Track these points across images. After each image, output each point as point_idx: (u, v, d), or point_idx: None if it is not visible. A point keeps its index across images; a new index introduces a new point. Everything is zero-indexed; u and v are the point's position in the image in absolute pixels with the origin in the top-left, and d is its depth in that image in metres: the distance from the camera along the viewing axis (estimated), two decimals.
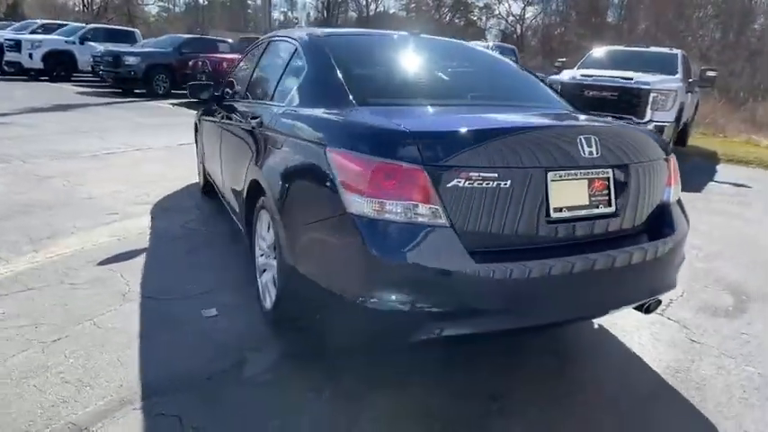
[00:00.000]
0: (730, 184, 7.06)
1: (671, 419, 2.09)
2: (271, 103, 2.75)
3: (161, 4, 56.53)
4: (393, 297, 1.70)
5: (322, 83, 2.33)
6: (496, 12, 38.56)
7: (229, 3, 66.89)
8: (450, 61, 2.88)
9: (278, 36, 3.26)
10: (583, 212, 1.92)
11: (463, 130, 1.78)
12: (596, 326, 2.77)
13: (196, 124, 4.88)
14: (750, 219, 5.23)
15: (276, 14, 62.63)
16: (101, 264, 3.25)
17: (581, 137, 1.88)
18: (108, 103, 11.44)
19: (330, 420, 1.95)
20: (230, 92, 3.93)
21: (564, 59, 10.33)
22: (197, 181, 5.30)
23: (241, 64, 3.98)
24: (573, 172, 1.88)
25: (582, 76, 7.64)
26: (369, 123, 1.91)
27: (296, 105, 2.40)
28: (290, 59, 2.75)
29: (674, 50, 8.71)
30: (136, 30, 17.87)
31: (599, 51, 9.17)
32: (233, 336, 2.50)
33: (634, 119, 6.89)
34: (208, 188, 4.77)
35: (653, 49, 9.14)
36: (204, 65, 12.01)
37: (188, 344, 2.41)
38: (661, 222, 2.15)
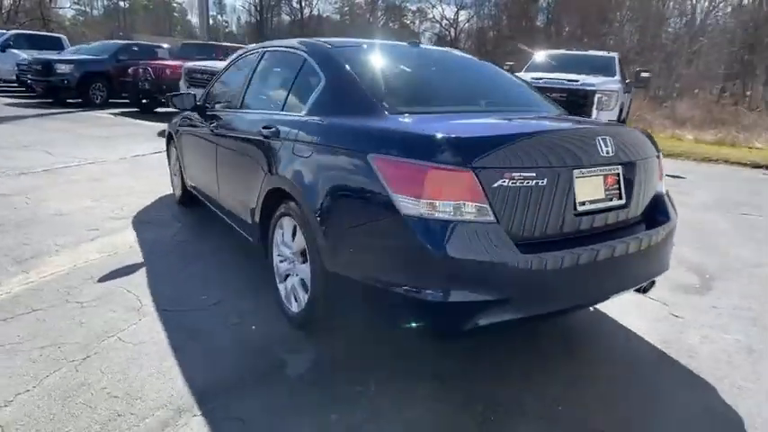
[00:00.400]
0: (666, 175, 7.73)
1: (676, 382, 2.38)
2: (284, 113, 2.82)
3: (77, 6, 53.31)
4: (450, 289, 1.86)
5: (347, 93, 2.44)
6: (430, 15, 39.53)
7: (152, 6, 64.24)
8: (454, 70, 3.08)
9: (276, 47, 3.33)
10: (600, 205, 2.17)
11: (503, 134, 1.97)
12: (591, 309, 3.05)
13: (171, 135, 4.81)
14: (693, 206, 5.80)
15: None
16: (101, 280, 3.19)
17: (599, 138, 2.13)
18: (43, 115, 10.82)
19: (383, 410, 2.07)
20: (213, 102, 3.94)
21: (512, 63, 10.82)
22: (169, 193, 5.21)
23: (226, 74, 3.99)
24: (593, 169, 2.11)
25: (533, 78, 8.07)
26: (415, 131, 2.05)
27: (319, 115, 2.49)
28: (299, 70, 2.83)
29: (611, 53, 9.41)
30: (62, 36, 16.90)
31: (541, 55, 9.72)
32: (264, 340, 2.56)
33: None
34: (185, 199, 4.72)
35: (591, 52, 9.82)
36: (146, 72, 11.61)
37: (223, 351, 2.45)
38: (657, 211, 2.44)
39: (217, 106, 3.84)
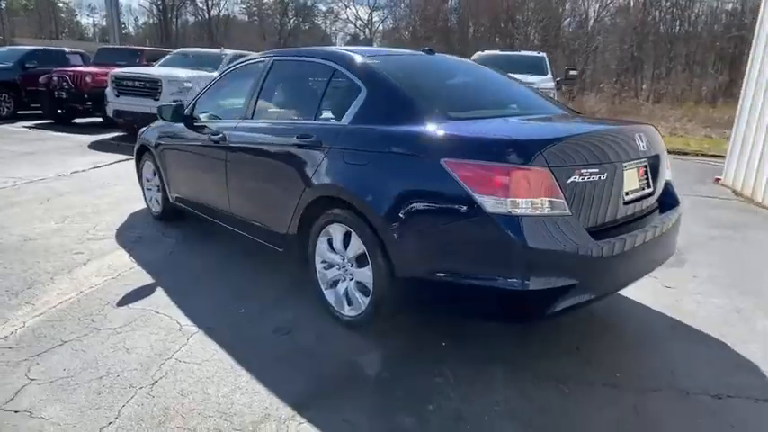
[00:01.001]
0: None
1: (691, 342, 2.74)
2: (318, 122, 2.87)
3: None
4: (535, 277, 2.05)
5: (396, 102, 2.54)
6: (344, 16, 39.58)
7: (33, 6, 58.80)
8: (476, 76, 3.27)
9: (291, 57, 3.34)
10: (638, 194, 2.46)
11: (570, 135, 2.20)
12: None
13: (145, 148, 4.61)
14: None
15: (98, 19, 56.75)
16: (120, 304, 3.06)
17: (636, 135, 2.42)
18: None
19: (472, 395, 2.22)
20: (208, 113, 3.87)
21: None
22: (139, 209, 5.00)
23: (222, 84, 3.91)
24: (633, 162, 2.40)
25: None
26: (491, 135, 2.22)
27: (367, 123, 2.58)
28: (329, 80, 2.90)
29: (540, 53, 10.06)
30: None
31: (476, 56, 10.22)
32: (324, 345, 2.62)
33: None
34: (167, 214, 4.55)
35: (523, 52, 10.46)
36: (63, 81, 10.76)
37: (290, 359, 2.48)
38: (668, 197, 2.79)
39: (214, 117, 3.77)
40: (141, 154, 4.75)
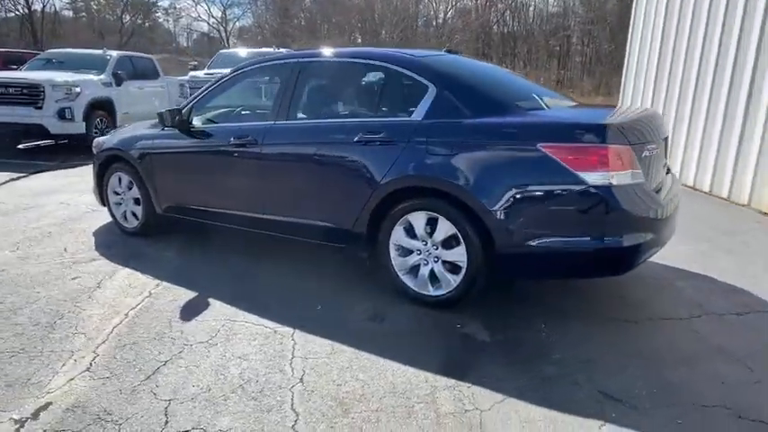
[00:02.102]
0: None
1: (686, 275, 3.45)
2: (381, 119, 3.05)
3: None
4: (630, 234, 2.52)
5: (470, 97, 2.83)
6: (194, 14, 37.23)
7: None
8: (503, 72, 3.65)
9: (329, 57, 3.43)
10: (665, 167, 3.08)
11: (637, 119, 2.71)
12: None
13: (117, 160, 4.26)
14: None
15: None
16: (186, 320, 2.94)
17: (660, 119, 3.02)
18: None
19: (572, 341, 2.63)
20: (218, 117, 3.79)
21: (196, 62, 11.36)
22: (96, 227, 4.62)
23: (225, 88, 3.81)
24: (662, 141, 2.99)
25: (206, 74, 8.96)
26: (585, 121, 2.63)
27: (442, 118, 2.83)
28: (385, 80, 3.09)
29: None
30: None
31: (225, 52, 10.76)
32: (426, 323, 2.83)
33: None
34: (149, 228, 4.28)
35: (283, 50, 10.77)
36: None
37: (411, 338, 2.68)
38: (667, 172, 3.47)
39: (224, 121, 3.70)
40: (107, 166, 4.37)
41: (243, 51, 11.51)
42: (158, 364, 2.47)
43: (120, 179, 4.33)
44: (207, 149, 3.71)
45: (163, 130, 3.99)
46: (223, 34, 35.48)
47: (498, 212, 2.63)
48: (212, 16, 34.44)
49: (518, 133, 2.66)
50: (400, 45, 27.31)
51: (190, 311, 3.02)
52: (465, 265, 2.80)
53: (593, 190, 2.47)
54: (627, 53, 8.25)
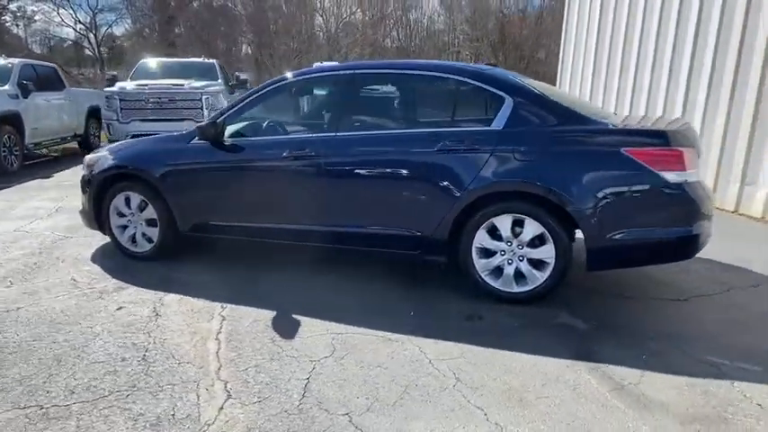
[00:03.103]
0: None
1: (724, 268, 4.04)
2: (458, 128, 3.25)
3: None
4: (699, 224, 2.95)
5: (546, 107, 3.08)
6: (57, 18, 33.37)
7: None
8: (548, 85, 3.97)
9: (392, 69, 3.56)
10: None
11: (688, 126, 3.14)
12: None
13: (126, 178, 3.94)
14: None
15: None
16: (288, 337, 2.86)
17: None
18: None
19: (623, 321, 3.01)
20: (259, 131, 3.72)
21: (115, 72, 11.06)
22: (87, 255, 4.25)
23: (263, 101, 3.71)
24: None
25: (138, 86, 8.70)
26: (661, 129, 3.00)
27: (521, 126, 3.06)
28: (458, 91, 3.28)
29: (211, 60, 10.64)
30: None
31: (146, 62, 10.33)
32: (526, 318, 3.03)
33: (194, 120, 8.14)
34: (165, 249, 4.00)
35: (193, 59, 10.98)
36: None
37: (521, 332, 2.86)
38: None
39: (264, 134, 3.68)
40: (108, 186, 4.00)
41: (169, 61, 10.84)
42: (302, 383, 2.39)
43: (127, 199, 3.98)
44: (254, 163, 3.59)
45: (189, 144, 3.77)
46: (93, 41, 32.50)
47: (588, 211, 2.92)
48: (79, 21, 31.29)
49: (602, 139, 2.99)
50: (300, 57, 27.32)
51: (285, 329, 2.92)
52: (553, 262, 3.05)
53: (672, 187, 2.86)
54: (561, 52, 9.16)
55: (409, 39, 32.94)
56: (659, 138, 2.94)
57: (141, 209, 3.96)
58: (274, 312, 3.13)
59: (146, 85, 8.67)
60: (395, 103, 3.70)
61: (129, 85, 8.80)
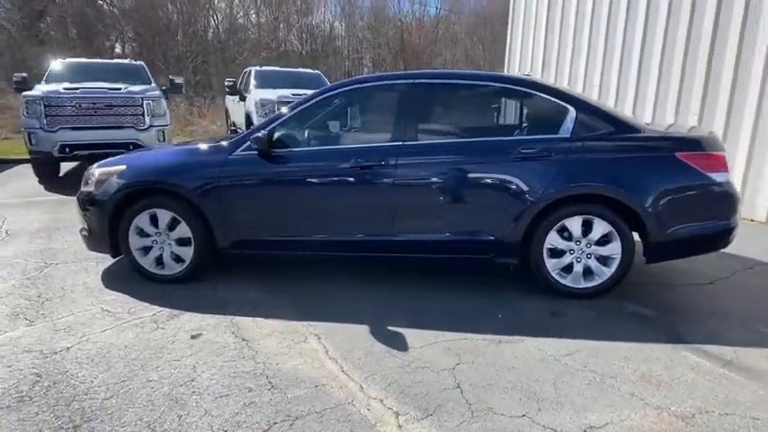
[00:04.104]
0: None
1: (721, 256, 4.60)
2: (529, 136, 3.42)
3: None
4: (735, 217, 3.39)
5: (602, 117, 3.35)
6: None
7: None
8: None
9: (460, 81, 3.65)
10: None
11: (714, 134, 3.60)
12: None
13: (152, 194, 3.60)
14: None
15: None
16: (401, 349, 2.84)
17: None
18: None
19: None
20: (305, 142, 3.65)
21: (25, 74, 10.06)
22: (101, 278, 3.84)
23: (317, 112, 3.61)
24: None
25: (66, 89, 7.63)
26: (706, 135, 3.38)
27: (584, 133, 3.29)
28: (522, 101, 3.46)
29: (138, 62, 9.74)
30: None
31: (62, 63, 9.03)
32: (599, 309, 3.28)
33: (135, 128, 7.73)
34: (198, 270, 3.73)
35: (117, 60, 10.06)
36: None
37: (606, 323, 3.09)
38: None
39: (319, 144, 3.69)
40: (127, 204, 3.63)
41: (89, 62, 9.74)
42: (455, 391, 2.40)
43: (153, 217, 3.64)
44: (315, 174, 3.48)
45: (233, 155, 3.56)
46: None
47: (651, 209, 3.24)
48: None
49: (658, 145, 3.33)
50: (195, 59, 26.02)
51: (392, 341, 2.89)
52: (619, 258, 3.34)
53: (718, 186, 3.28)
54: (507, 51, 9.69)
55: (308, 43, 32.79)
56: (706, 143, 3.35)
57: (171, 228, 3.64)
58: (366, 326, 3.06)
59: (76, 88, 7.71)
60: (463, 112, 3.78)
61: (50, 88, 7.82)
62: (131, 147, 7.84)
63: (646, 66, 7.06)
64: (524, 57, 9.24)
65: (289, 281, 3.77)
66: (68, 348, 2.79)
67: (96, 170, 3.78)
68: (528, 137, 3.47)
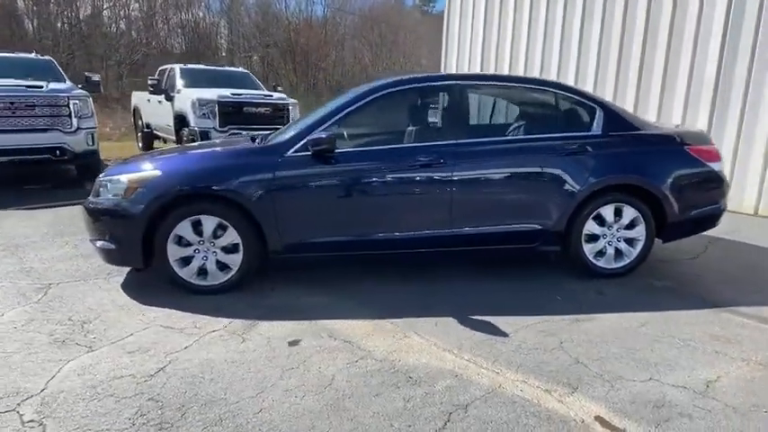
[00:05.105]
0: None
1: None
2: (569, 133, 3.75)
3: None
4: (725, 200, 4.05)
5: (622, 116, 3.80)
6: None
7: None
8: None
9: (507, 83, 3.95)
10: None
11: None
12: None
13: (197, 199, 3.40)
14: None
15: None
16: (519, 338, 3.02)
17: None
18: None
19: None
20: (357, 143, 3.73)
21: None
22: (129, 295, 3.55)
23: (366, 114, 3.64)
24: None
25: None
26: (699, 131, 3.94)
27: (611, 131, 3.70)
28: (557, 102, 3.79)
29: (47, 57, 8.82)
30: None
31: None
32: (634, 287, 3.72)
33: (62, 131, 6.84)
34: (245, 277, 3.56)
35: (22, 54, 8.85)
36: None
37: (649, 297, 3.54)
38: None
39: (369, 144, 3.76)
40: (166, 212, 3.38)
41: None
42: (603, 365, 2.64)
43: (197, 225, 3.42)
44: (376, 173, 3.52)
45: (287, 155, 3.47)
46: None
47: (669, 195, 3.76)
48: None
49: (671, 140, 3.86)
50: (66, 55, 23.50)
51: (497, 330, 3.03)
52: (644, 240, 3.82)
53: (716, 174, 3.90)
54: (444, 47, 10.05)
55: (190, 41, 31.07)
56: (705, 138, 3.96)
57: (216, 235, 3.44)
58: (450, 318, 3.17)
59: (6, 85, 6.73)
60: (509, 111, 4.01)
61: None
62: (58, 152, 7.07)
63: (584, 52, 7.72)
64: (462, 51, 9.66)
65: (337, 282, 3.73)
66: (162, 369, 2.57)
67: (122, 177, 3.45)
68: (570, 134, 3.81)
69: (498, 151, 3.65)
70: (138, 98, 11.90)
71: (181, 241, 3.41)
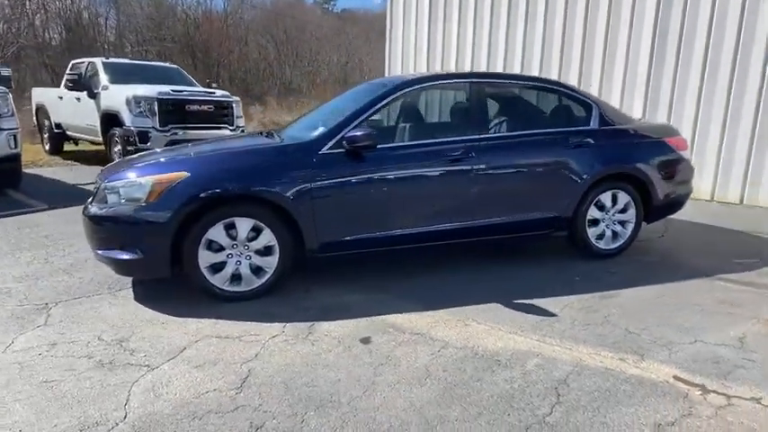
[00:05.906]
0: None
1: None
2: (569, 128, 4.05)
3: None
4: (691, 184, 4.62)
5: (614, 111, 4.21)
6: None
7: None
8: None
9: (519, 82, 4.18)
10: None
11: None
12: None
13: (240, 201, 3.26)
14: None
15: None
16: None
17: None
18: None
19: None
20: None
21: None
22: (158, 302, 3.36)
23: (389, 110, 3.68)
24: None
25: None
26: (666, 123, 4.44)
27: (605, 125, 4.06)
28: (560, 99, 4.09)
29: None
30: None
31: None
32: (630, 266, 4.13)
33: None
34: (279, 279, 3.43)
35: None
36: None
37: (654, 270, 3.96)
38: None
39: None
40: (196, 217, 3.21)
41: None
42: (652, 332, 2.93)
43: (230, 228, 3.27)
44: (413, 168, 3.59)
45: (321, 152, 3.42)
46: None
47: (655, 181, 4.22)
48: None
49: (654, 133, 4.33)
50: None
51: (546, 311, 3.23)
52: (634, 221, 4.25)
53: (686, 161, 4.43)
54: (387, 42, 10.10)
55: (70, 33, 28.31)
56: (676, 131, 4.48)
57: (250, 238, 3.30)
58: (496, 304, 3.33)
59: None
60: (523, 107, 4.20)
61: None
62: None
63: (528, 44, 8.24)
64: (406, 48, 9.83)
65: (368, 278, 3.74)
66: (246, 379, 2.45)
67: (143, 180, 3.18)
68: (575, 128, 4.12)
69: (525, 144, 3.89)
70: (44, 95, 10.70)
71: (212, 246, 3.22)
